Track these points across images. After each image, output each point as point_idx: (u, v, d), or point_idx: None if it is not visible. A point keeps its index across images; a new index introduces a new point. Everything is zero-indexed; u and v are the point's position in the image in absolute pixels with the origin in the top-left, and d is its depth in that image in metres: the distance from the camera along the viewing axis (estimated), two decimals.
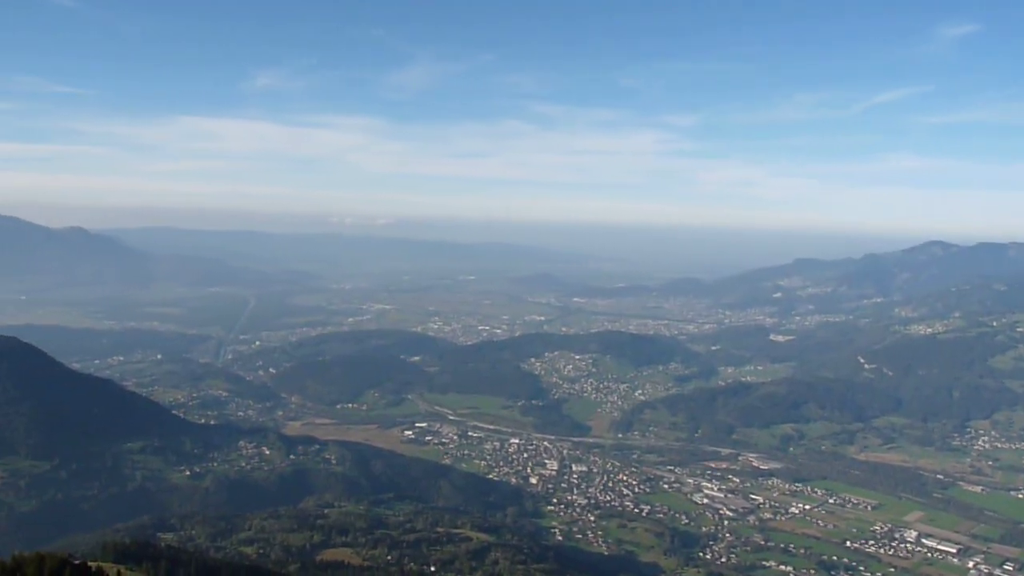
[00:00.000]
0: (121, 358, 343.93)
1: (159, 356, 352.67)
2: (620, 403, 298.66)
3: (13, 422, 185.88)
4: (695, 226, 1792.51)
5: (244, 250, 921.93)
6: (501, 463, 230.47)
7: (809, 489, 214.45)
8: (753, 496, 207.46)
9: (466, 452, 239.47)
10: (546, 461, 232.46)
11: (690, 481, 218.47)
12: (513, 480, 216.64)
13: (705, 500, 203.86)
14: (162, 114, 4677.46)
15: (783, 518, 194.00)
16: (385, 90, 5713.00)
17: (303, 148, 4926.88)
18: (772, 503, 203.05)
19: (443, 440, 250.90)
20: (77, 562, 70.65)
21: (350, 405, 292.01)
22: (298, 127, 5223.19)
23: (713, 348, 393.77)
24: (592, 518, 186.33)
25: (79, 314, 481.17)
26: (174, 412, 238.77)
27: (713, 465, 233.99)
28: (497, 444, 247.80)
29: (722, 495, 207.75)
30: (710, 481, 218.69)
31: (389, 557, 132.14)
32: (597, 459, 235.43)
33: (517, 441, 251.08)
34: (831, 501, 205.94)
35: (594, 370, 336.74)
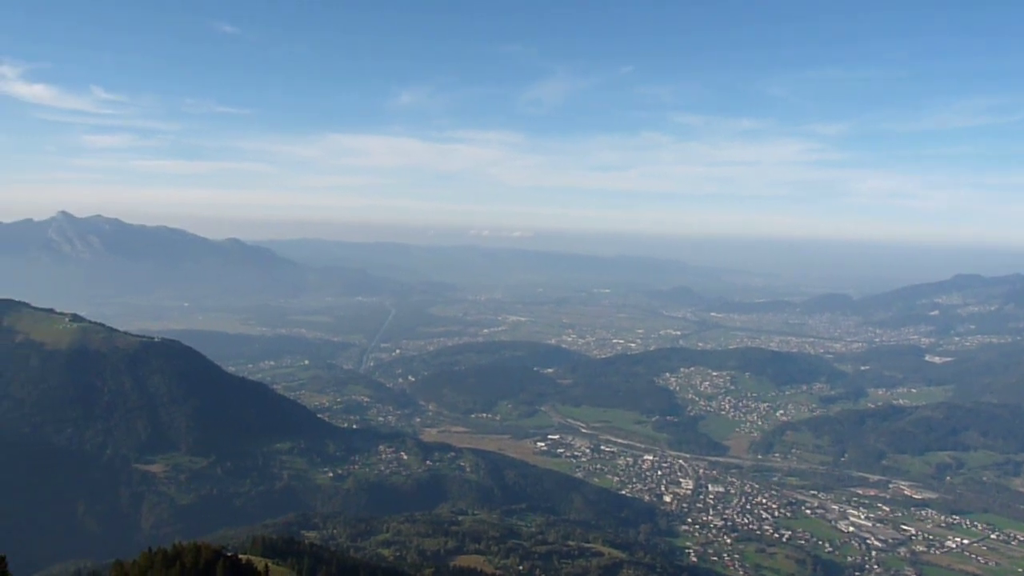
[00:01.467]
0: (272, 363, 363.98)
1: (306, 362, 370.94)
2: (760, 423, 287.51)
3: (176, 420, 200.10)
4: (843, 239, 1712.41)
5: (386, 261, 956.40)
6: (634, 479, 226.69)
7: (968, 522, 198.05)
8: (904, 527, 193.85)
9: (598, 466, 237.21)
10: (681, 479, 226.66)
11: (835, 507, 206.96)
12: (646, 497, 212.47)
13: (851, 528, 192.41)
14: (313, 132, 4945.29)
15: (938, 552, 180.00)
16: (523, 105, 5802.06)
17: (443, 163, 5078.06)
18: (926, 535, 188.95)
19: (575, 453, 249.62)
20: (229, 554, 74.57)
21: (484, 414, 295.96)
22: (439, 142, 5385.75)
23: (862, 368, 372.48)
24: (729, 541, 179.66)
25: (235, 320, 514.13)
26: (319, 416, 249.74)
27: (860, 492, 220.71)
28: (630, 459, 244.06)
29: (870, 524, 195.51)
30: (857, 509, 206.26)
31: (521, 567, 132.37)
32: (735, 480, 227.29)
33: (651, 457, 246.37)
34: (993, 536, 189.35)
35: (732, 388, 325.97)
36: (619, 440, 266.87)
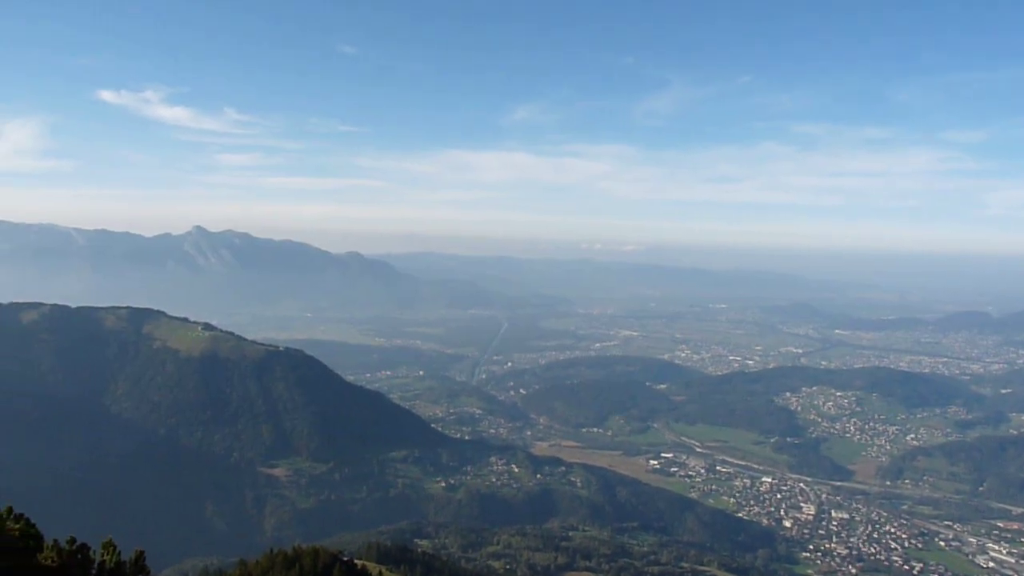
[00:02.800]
0: (389, 373, 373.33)
1: (421, 372, 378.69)
2: (888, 447, 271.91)
3: (298, 426, 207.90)
4: (981, 253, 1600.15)
5: (499, 275, 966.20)
6: (752, 502, 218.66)
7: None
8: None
9: (714, 487, 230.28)
10: (802, 504, 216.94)
11: (972, 540, 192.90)
12: (764, 521, 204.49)
13: (991, 564, 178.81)
14: (428, 149, 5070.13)
15: None
16: (637, 117, 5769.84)
17: (556, 176, 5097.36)
18: None
19: (690, 472, 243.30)
20: (346, 559, 76.27)
21: (595, 429, 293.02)
22: (552, 156, 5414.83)
23: (1003, 391, 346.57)
24: (854, 571, 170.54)
25: (354, 331, 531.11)
26: (433, 426, 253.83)
27: (1001, 524, 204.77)
28: (747, 481, 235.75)
29: (1012, 560, 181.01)
30: (997, 543, 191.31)
31: None
32: (860, 506, 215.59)
33: (770, 480, 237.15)
34: None
35: (858, 409, 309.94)
36: (736, 461, 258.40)
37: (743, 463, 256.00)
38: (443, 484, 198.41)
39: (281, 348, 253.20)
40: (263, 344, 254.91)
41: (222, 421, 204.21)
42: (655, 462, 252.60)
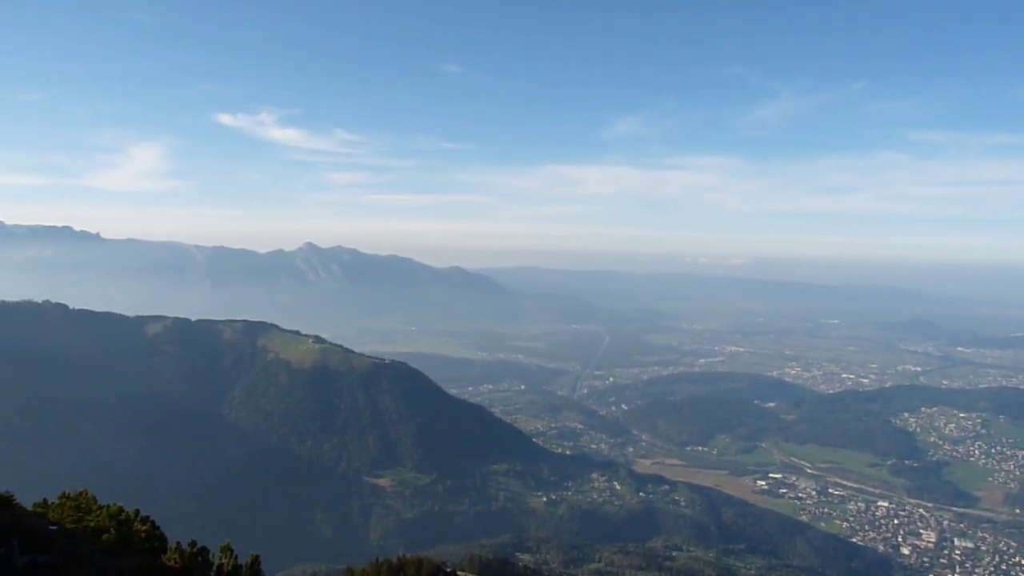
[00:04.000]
0: (490, 386, 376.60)
1: (522, 386, 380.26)
2: (1018, 473, 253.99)
3: (403, 438, 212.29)
4: None
5: (601, 289, 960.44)
6: (866, 527, 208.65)
7: None
8: None
9: (825, 510, 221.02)
10: (921, 531, 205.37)
11: None
12: (880, 547, 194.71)
13: None
14: (530, 163, 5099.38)
15: None
16: (743, 127, 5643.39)
17: (658, 190, 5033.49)
18: None
19: (800, 494, 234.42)
20: (448, 570, 77.08)
21: (700, 448, 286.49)
22: (654, 169, 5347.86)
23: None
24: None
25: (456, 344, 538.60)
26: (534, 440, 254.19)
27: None
28: (862, 505, 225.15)
29: None
30: None
31: None
32: (987, 535, 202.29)
33: (886, 504, 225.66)
34: None
35: (984, 432, 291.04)
36: (849, 483, 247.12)
37: (857, 486, 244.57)
38: (544, 499, 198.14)
39: (387, 361, 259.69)
40: (370, 357, 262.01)
41: (331, 431, 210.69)
42: (763, 483, 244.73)
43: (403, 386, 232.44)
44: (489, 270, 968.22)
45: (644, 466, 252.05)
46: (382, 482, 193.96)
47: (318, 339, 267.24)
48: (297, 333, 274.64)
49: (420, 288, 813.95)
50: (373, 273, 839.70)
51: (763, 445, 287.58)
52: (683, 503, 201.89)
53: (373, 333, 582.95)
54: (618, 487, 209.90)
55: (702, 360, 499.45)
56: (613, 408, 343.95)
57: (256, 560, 33.52)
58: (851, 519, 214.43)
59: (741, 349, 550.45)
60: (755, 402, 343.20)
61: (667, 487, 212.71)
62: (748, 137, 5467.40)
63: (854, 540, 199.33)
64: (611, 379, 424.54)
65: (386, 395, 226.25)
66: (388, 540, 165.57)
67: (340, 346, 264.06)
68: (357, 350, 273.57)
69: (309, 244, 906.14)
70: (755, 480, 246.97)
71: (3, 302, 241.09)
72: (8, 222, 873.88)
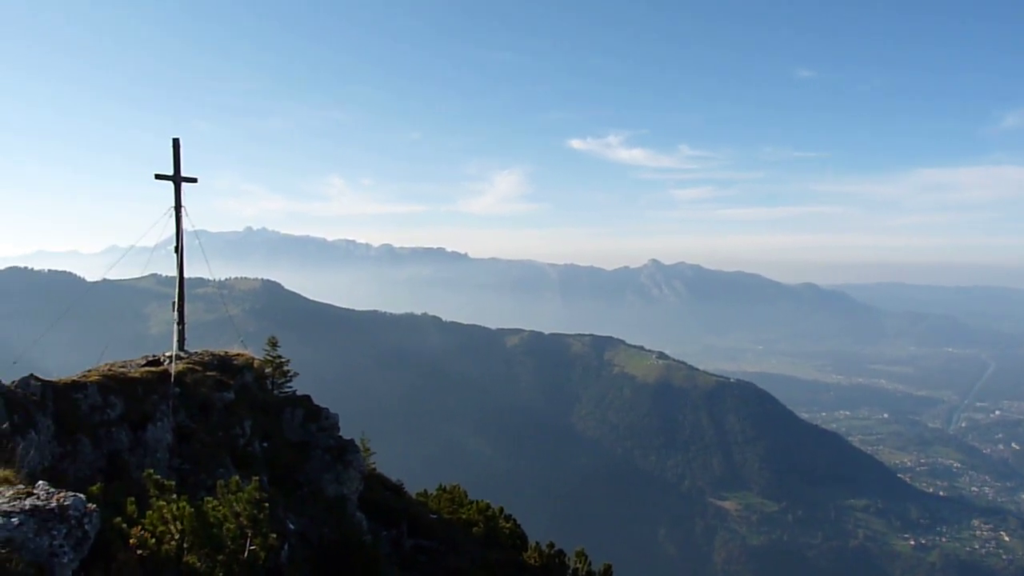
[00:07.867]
0: (847, 413, 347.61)
1: (885, 415, 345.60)
2: None
3: (748, 460, 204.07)
4: None
5: (982, 308, 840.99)
6: None
7: None
8: None
9: None
10: None
11: None
12: None
13: None
14: (894, 169, 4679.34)
15: None
16: None
17: None
18: None
19: None
20: None
21: None
22: None
23: None
24: None
25: (807, 366, 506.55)
26: (899, 476, 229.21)
27: None
28: None
29: None
30: None
31: None
32: None
33: None
34: None
35: None
36: None
37: None
38: (912, 543, 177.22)
39: (732, 380, 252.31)
40: (714, 375, 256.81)
41: (674, 447, 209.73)
42: None
43: (749, 406, 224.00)
44: (845, 286, 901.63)
45: None
46: (727, 504, 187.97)
47: (662, 355, 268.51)
48: (641, 348, 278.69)
49: (768, 305, 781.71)
50: (717, 289, 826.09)
51: None
52: None
53: (717, 351, 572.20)
54: (1006, 538, 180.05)
55: None
56: (1000, 447, 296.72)
57: (608, 569, 33.16)
58: None
59: None
60: None
61: None
62: None
63: None
64: (998, 412, 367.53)
65: (731, 415, 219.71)
66: (732, 565, 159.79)
67: (683, 363, 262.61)
68: (700, 367, 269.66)
69: (653, 261, 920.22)
70: None
71: (390, 313, 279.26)
72: (396, 244, 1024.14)
